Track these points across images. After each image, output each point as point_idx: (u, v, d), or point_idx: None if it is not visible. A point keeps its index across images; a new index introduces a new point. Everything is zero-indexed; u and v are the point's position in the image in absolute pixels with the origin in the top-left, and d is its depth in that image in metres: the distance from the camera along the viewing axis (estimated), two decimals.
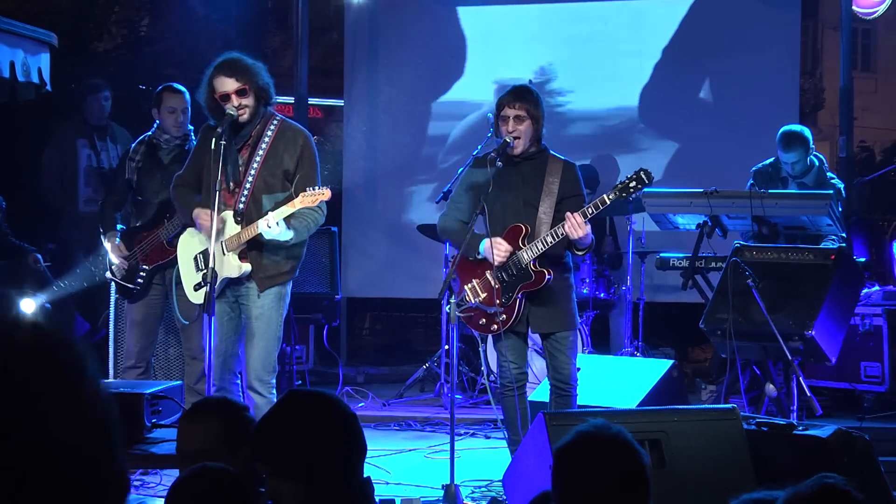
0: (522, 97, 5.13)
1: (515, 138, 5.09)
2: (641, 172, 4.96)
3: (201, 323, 5.17)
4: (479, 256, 5.14)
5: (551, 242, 5.03)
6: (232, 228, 4.96)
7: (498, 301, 5.07)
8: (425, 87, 9.08)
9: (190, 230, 5.20)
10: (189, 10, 9.49)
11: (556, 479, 2.53)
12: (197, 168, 5.07)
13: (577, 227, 4.91)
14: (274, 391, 5.01)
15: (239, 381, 5.08)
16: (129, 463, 4.39)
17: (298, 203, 4.84)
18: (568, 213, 4.94)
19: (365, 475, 2.55)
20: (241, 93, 4.93)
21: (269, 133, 5.02)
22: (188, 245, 5.17)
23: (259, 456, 2.46)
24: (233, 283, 5.02)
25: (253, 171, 4.98)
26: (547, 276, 5.05)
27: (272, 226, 4.80)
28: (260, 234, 4.87)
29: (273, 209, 4.91)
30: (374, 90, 9.12)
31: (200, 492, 2.50)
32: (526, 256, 5.06)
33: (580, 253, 5.14)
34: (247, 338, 5.03)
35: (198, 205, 4.98)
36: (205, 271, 4.92)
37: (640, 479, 2.49)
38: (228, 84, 4.92)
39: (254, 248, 4.97)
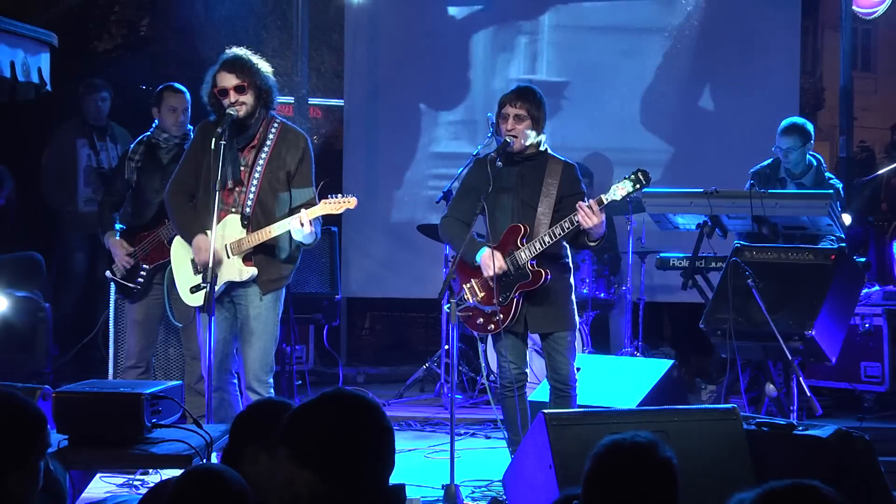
0: (524, 97, 5.13)
1: (514, 137, 5.09)
2: (639, 173, 4.96)
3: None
4: (476, 264, 5.13)
5: (549, 242, 5.02)
6: (238, 232, 4.95)
7: (495, 300, 5.07)
8: (425, 87, 9.06)
9: None
10: (189, 10, 9.48)
11: (590, 480, 2.55)
12: (193, 165, 5.05)
13: (591, 215, 4.88)
14: (272, 391, 5.01)
15: (236, 381, 5.09)
16: (129, 463, 4.39)
17: (321, 208, 4.88)
18: (580, 203, 4.91)
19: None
20: (238, 89, 4.94)
21: (272, 135, 5.04)
22: (184, 247, 5.14)
23: (284, 439, 2.47)
24: (232, 286, 5.01)
25: (257, 174, 4.97)
26: (544, 276, 5.04)
27: (304, 223, 4.81)
28: (272, 237, 4.89)
29: (278, 210, 4.93)
30: (374, 90, 9.11)
31: (203, 493, 2.50)
32: (524, 256, 5.05)
33: (593, 244, 5.09)
34: (244, 338, 5.02)
35: (198, 230, 4.96)
36: (204, 273, 4.91)
37: None
38: (228, 79, 4.95)
39: (260, 251, 4.97)
